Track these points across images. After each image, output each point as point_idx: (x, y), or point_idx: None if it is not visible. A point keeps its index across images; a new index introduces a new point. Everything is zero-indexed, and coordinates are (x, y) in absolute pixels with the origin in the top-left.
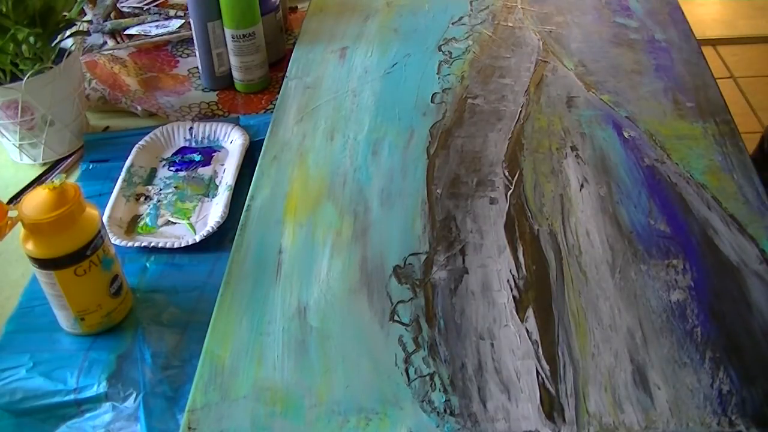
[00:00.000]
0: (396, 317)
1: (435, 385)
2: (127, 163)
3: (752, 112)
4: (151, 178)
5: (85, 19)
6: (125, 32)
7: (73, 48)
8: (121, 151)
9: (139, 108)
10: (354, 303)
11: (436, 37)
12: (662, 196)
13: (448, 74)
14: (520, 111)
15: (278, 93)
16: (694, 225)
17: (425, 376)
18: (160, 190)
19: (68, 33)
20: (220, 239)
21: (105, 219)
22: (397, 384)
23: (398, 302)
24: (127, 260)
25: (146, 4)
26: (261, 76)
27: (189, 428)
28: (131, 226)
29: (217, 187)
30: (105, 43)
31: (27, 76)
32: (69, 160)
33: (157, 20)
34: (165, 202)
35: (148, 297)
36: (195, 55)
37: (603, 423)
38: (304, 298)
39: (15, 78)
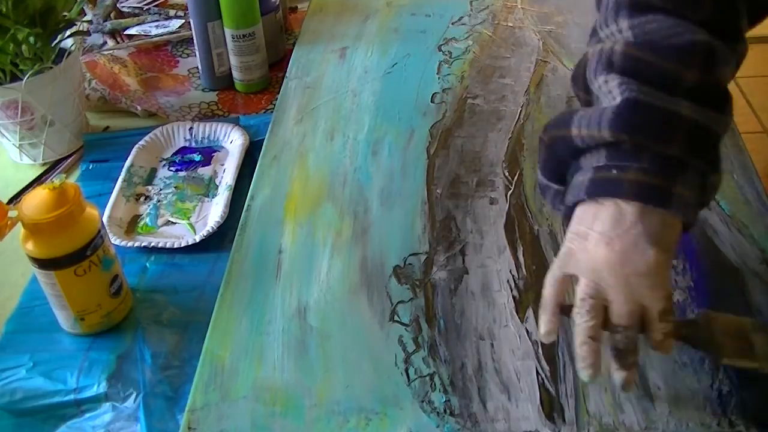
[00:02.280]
0: (396, 317)
1: (435, 385)
2: (127, 163)
3: (752, 112)
4: (151, 178)
5: (85, 19)
6: (125, 32)
7: (73, 48)
8: (121, 151)
9: (139, 108)
10: (354, 303)
11: (436, 37)
12: None
13: (448, 74)
14: (520, 111)
15: (278, 93)
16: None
17: (425, 376)
18: (160, 190)
19: (68, 33)
20: (220, 239)
21: (105, 219)
22: (397, 384)
23: (398, 302)
24: (127, 260)
25: (146, 4)
26: (261, 76)
27: (189, 428)
28: (131, 226)
29: (217, 187)
30: (105, 43)
31: (27, 76)
32: (69, 160)
33: (157, 20)
34: (165, 202)
35: (148, 297)
36: (195, 55)
37: (603, 423)
38: (304, 298)
39: (15, 78)
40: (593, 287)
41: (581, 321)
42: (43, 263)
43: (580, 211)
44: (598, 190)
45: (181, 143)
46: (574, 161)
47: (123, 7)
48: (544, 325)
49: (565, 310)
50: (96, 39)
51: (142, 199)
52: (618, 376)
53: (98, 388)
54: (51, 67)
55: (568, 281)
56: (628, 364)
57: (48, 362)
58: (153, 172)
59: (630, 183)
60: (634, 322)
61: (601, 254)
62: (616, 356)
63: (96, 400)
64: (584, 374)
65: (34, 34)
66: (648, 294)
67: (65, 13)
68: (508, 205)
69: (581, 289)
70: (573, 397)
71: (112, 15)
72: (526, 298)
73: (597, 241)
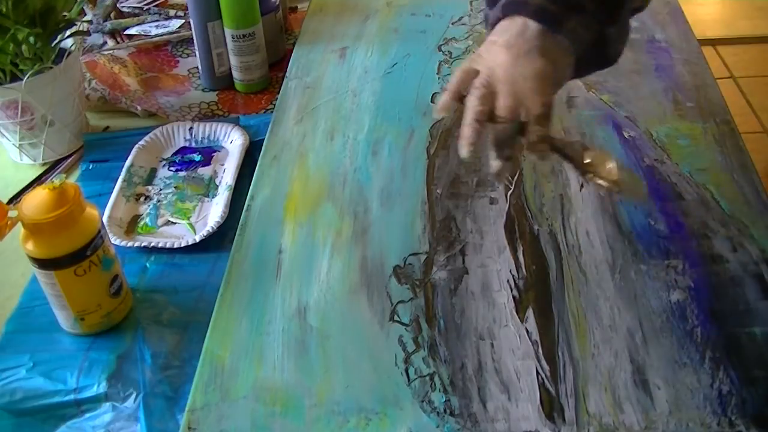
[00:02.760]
0: (396, 317)
1: (435, 385)
2: (127, 163)
3: (752, 112)
4: (151, 178)
5: (85, 19)
6: (125, 32)
7: (73, 48)
8: (121, 151)
9: (139, 108)
10: (354, 303)
11: (436, 37)
12: (662, 196)
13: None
14: None
15: (278, 93)
16: (694, 225)
17: (425, 376)
18: (160, 190)
19: (68, 33)
20: (220, 239)
21: (105, 219)
22: (397, 384)
23: (398, 302)
24: (127, 260)
25: (146, 4)
26: (261, 76)
27: (189, 428)
28: (131, 226)
29: (217, 187)
30: (105, 43)
31: (27, 76)
32: (69, 160)
33: (157, 20)
34: (165, 202)
35: (148, 297)
36: (195, 55)
37: (603, 423)
38: (304, 298)
39: (15, 78)
40: (487, 80)
41: (471, 105)
42: (43, 263)
43: (497, 26)
44: (511, 9)
45: (181, 143)
46: None
47: (123, 7)
48: (441, 102)
49: (462, 98)
50: (96, 39)
51: (142, 199)
52: (494, 164)
53: (98, 388)
54: (51, 67)
55: (473, 75)
56: (504, 155)
57: (48, 362)
58: (153, 172)
59: (534, 6)
60: (513, 116)
61: (501, 56)
62: (495, 146)
63: (96, 400)
64: (464, 151)
65: (34, 34)
66: (529, 96)
67: (65, 13)
68: (508, 205)
69: (477, 80)
70: (573, 397)
71: (112, 15)
72: (526, 298)
73: (500, 45)
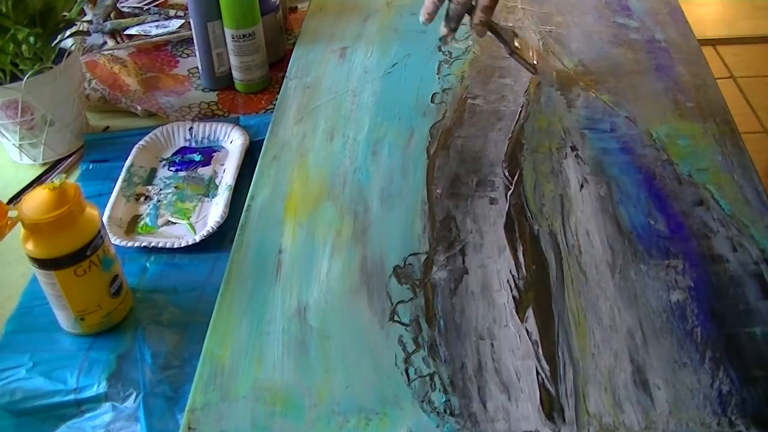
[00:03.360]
0: (396, 317)
1: (435, 385)
2: (127, 163)
3: (752, 112)
4: (151, 178)
5: (85, 19)
6: (125, 32)
7: (73, 48)
8: (121, 151)
9: (139, 108)
10: (354, 303)
11: (436, 37)
12: (662, 196)
13: (448, 74)
14: (520, 111)
15: (278, 93)
16: (693, 225)
17: (425, 376)
18: (160, 190)
19: (68, 33)
20: (220, 239)
21: (105, 219)
22: (397, 384)
23: (398, 302)
24: (127, 260)
25: (146, 4)
26: (261, 76)
27: (189, 428)
28: (131, 226)
29: (217, 187)
30: (105, 43)
31: (27, 76)
32: (69, 160)
33: (157, 20)
34: (165, 202)
35: (148, 297)
36: (195, 55)
37: (603, 423)
38: (304, 298)
39: (15, 78)
40: None
41: None
42: (43, 263)
43: None
44: None
45: (181, 143)
46: None
47: (123, 7)
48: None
49: None
50: (96, 39)
51: (142, 199)
52: (442, 29)
53: (98, 388)
54: (51, 67)
55: None
56: (450, 27)
57: (48, 362)
58: (153, 172)
59: None
60: (464, 1)
61: None
62: (446, 18)
63: (96, 400)
64: (421, 18)
65: (34, 34)
66: None
67: (65, 13)
68: (508, 205)
69: None
70: (573, 397)
71: (112, 15)
72: (526, 298)
73: None
